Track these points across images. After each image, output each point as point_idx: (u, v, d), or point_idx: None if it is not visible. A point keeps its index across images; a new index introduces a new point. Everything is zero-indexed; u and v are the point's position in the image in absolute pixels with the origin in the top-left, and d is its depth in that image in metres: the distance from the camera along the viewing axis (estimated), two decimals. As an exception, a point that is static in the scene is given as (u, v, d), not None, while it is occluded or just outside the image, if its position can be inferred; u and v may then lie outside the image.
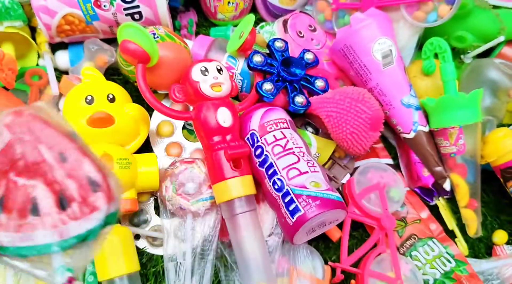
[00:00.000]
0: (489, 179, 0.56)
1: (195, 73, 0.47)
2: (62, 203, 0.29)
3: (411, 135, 0.53)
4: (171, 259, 0.48)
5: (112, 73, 0.60)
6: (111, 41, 0.59)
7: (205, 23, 0.67)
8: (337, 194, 0.45)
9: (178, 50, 0.50)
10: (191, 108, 0.49)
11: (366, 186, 0.52)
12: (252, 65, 0.51)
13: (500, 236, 0.55)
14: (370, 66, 0.52)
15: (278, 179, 0.45)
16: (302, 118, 0.56)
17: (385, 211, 0.51)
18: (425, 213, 0.55)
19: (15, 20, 0.54)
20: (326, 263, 0.50)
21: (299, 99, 0.50)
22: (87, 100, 0.46)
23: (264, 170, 0.47)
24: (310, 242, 0.51)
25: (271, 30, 0.59)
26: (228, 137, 0.47)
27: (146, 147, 0.53)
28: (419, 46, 0.57)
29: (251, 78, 0.55)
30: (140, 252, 0.50)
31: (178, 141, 0.55)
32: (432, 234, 0.53)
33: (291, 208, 0.43)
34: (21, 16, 0.55)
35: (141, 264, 0.48)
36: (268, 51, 0.53)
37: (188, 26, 0.64)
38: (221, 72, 0.48)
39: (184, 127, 0.56)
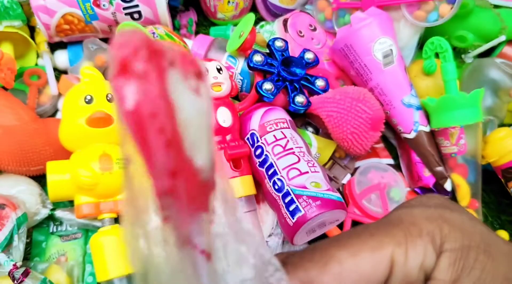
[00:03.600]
0: (490, 179, 0.56)
1: (195, 73, 0.47)
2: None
3: (411, 135, 0.53)
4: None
5: (111, 73, 0.60)
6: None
7: (205, 22, 0.66)
8: (338, 194, 0.44)
9: (177, 49, 0.50)
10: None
11: (367, 186, 0.52)
12: (252, 65, 0.50)
13: (501, 236, 0.55)
14: (371, 65, 0.52)
15: (278, 179, 0.45)
16: (302, 118, 0.56)
17: (385, 211, 0.50)
18: (426, 213, 0.55)
19: (14, 19, 0.54)
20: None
21: (300, 99, 0.50)
22: (86, 100, 0.46)
23: (264, 170, 0.46)
24: (310, 243, 0.51)
25: (271, 30, 0.59)
26: (228, 137, 0.47)
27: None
28: (420, 45, 0.57)
29: (251, 78, 0.54)
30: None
31: (178, 141, 0.55)
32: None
33: (291, 208, 0.43)
34: (20, 16, 0.55)
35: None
36: (268, 51, 0.53)
37: (188, 25, 0.64)
38: (220, 72, 0.48)
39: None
